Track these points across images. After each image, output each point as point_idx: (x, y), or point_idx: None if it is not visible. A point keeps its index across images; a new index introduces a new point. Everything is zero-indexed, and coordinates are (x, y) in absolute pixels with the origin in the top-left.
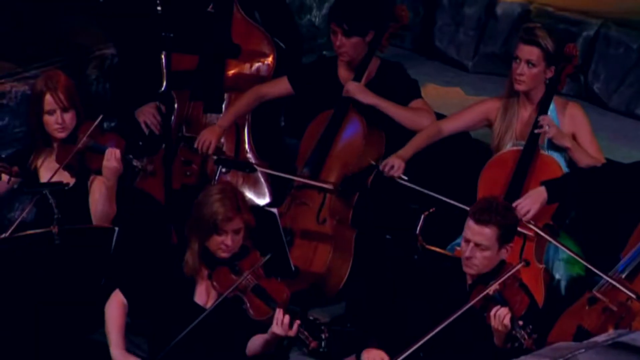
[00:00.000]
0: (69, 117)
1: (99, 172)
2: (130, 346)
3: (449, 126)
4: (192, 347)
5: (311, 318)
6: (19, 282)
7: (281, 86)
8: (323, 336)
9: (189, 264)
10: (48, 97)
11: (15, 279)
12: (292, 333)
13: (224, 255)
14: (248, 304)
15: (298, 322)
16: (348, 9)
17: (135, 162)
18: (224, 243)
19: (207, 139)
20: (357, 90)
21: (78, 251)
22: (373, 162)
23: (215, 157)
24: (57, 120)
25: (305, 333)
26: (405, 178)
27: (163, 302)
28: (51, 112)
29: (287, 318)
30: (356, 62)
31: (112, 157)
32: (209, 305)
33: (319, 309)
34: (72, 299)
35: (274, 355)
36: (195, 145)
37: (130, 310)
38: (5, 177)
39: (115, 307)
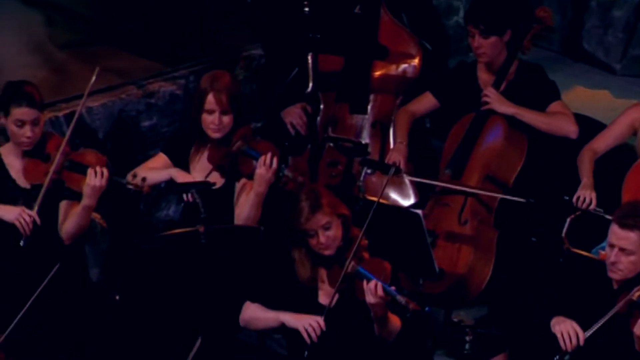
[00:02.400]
0: (227, 119)
1: (249, 177)
2: (272, 344)
3: (601, 145)
4: (326, 344)
5: (455, 320)
6: (167, 280)
7: (427, 102)
8: (467, 338)
9: (302, 274)
10: (210, 97)
11: (163, 277)
12: (378, 299)
13: (328, 252)
14: (357, 290)
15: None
16: (483, 8)
17: (287, 172)
18: (320, 242)
19: (396, 157)
20: (494, 100)
21: (224, 250)
22: (566, 198)
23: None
24: (215, 121)
25: (402, 298)
26: (601, 210)
27: (290, 308)
28: (210, 112)
29: (379, 287)
30: (496, 64)
31: (266, 166)
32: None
33: (463, 311)
34: (218, 297)
35: (418, 357)
36: (387, 161)
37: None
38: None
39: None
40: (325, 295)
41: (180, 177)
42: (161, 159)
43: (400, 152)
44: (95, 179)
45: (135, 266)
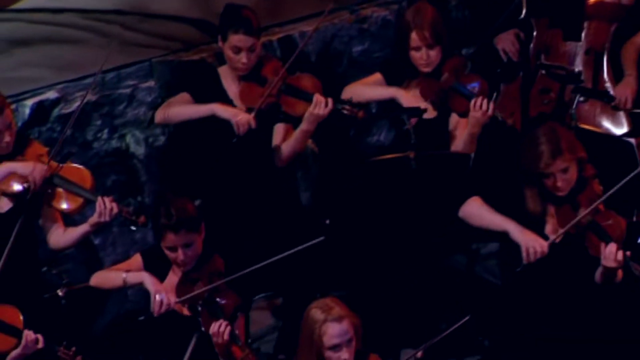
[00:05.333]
0: (434, 53)
1: (461, 115)
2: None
3: None
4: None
5: None
6: (376, 205)
7: None
8: None
9: (532, 208)
10: (414, 35)
11: (372, 202)
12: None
13: (561, 194)
14: (587, 241)
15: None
16: None
17: (496, 113)
18: (556, 185)
19: (622, 92)
20: None
21: (434, 177)
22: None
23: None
24: (422, 57)
25: (637, 268)
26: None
27: None
28: (417, 49)
29: (619, 253)
30: None
31: (482, 111)
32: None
33: None
34: (426, 223)
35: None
36: (614, 95)
37: None
38: None
39: None
40: (552, 229)
41: (405, 98)
42: (377, 79)
43: (628, 85)
44: (320, 107)
45: (346, 191)
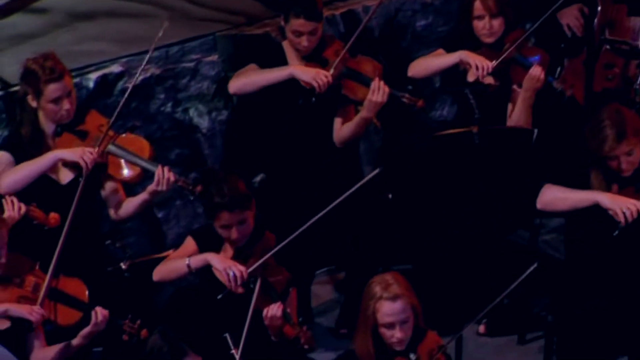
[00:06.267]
0: (497, 23)
1: (521, 86)
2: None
3: None
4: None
5: None
6: (439, 179)
7: None
8: None
9: (595, 185)
10: (477, 3)
11: (435, 177)
12: None
13: (627, 174)
14: None
15: None
16: None
17: (555, 84)
18: (620, 167)
19: None
20: None
21: (497, 152)
22: None
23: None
24: (485, 26)
25: None
26: None
27: None
28: (480, 18)
29: None
30: None
31: (535, 76)
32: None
33: None
34: (489, 198)
35: None
36: None
37: None
38: None
39: None
40: None
41: (471, 57)
42: (439, 55)
43: None
44: (378, 93)
45: (409, 165)
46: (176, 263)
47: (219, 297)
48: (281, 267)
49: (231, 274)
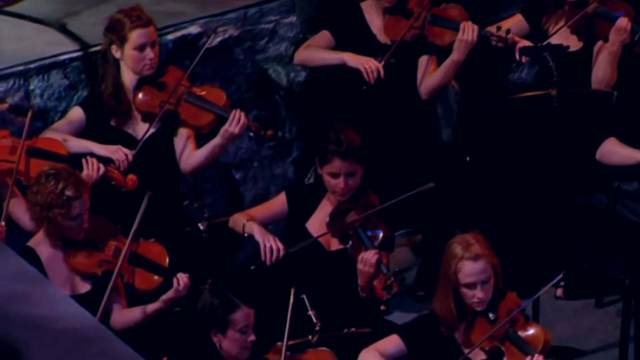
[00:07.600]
0: None
1: (606, 40)
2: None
3: None
4: None
5: None
6: (516, 142)
7: None
8: None
9: None
10: None
11: (513, 140)
12: None
13: None
14: None
15: None
16: None
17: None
18: None
19: None
20: None
21: (576, 114)
22: None
23: None
24: None
25: None
26: None
27: None
28: None
29: None
30: None
31: (622, 27)
32: None
33: None
34: (566, 162)
35: None
36: None
37: None
38: None
39: None
40: None
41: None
42: (518, 19)
43: None
44: (468, 32)
45: (487, 128)
46: (240, 217)
47: (252, 267)
48: (381, 222)
49: (268, 247)
